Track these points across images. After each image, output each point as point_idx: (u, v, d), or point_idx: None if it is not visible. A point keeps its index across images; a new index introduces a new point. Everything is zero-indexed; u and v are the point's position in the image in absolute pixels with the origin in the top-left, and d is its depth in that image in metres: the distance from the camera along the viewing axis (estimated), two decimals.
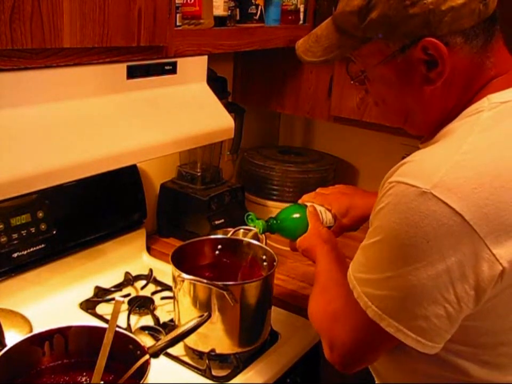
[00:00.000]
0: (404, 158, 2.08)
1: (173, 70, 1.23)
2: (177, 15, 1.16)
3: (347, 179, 2.09)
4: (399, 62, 0.82)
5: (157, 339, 1.19)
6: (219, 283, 1.11)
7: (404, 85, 0.84)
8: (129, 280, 1.47)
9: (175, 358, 1.19)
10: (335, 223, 1.26)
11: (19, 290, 1.30)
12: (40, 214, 1.32)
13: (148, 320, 1.31)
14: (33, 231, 1.30)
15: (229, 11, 1.36)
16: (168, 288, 1.42)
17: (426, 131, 0.91)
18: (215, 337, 1.16)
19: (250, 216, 1.24)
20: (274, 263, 1.22)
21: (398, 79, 0.84)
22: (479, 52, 0.81)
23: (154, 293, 1.43)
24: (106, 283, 1.45)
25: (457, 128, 0.81)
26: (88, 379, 0.96)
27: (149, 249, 1.65)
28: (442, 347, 0.78)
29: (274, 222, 1.24)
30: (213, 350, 1.16)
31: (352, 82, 0.91)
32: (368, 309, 0.79)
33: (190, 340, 1.15)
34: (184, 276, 1.13)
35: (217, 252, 1.33)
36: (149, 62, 1.16)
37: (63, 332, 0.98)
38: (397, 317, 0.77)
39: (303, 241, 1.19)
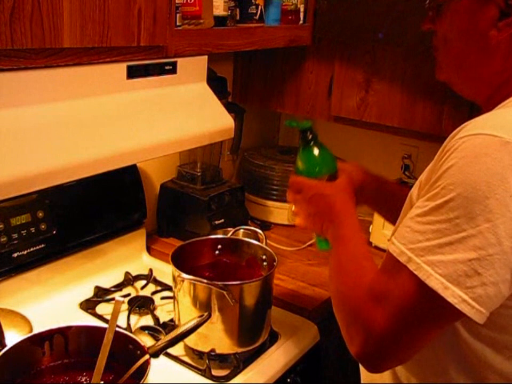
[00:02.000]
0: (404, 158, 2.09)
1: (173, 70, 1.23)
2: (177, 15, 1.16)
3: None
4: (472, 2, 0.83)
5: (157, 339, 1.19)
6: (219, 283, 1.11)
7: (472, 26, 0.84)
8: (129, 280, 1.47)
9: (175, 358, 1.19)
10: None
11: (19, 290, 1.30)
12: (40, 214, 1.32)
13: (147, 320, 1.31)
14: (33, 231, 1.30)
15: (229, 11, 1.36)
16: (168, 288, 1.42)
17: (477, 89, 0.89)
18: (215, 337, 1.16)
19: (289, 121, 1.11)
20: (274, 263, 1.22)
21: (469, 18, 0.84)
22: None
23: (154, 293, 1.43)
24: (106, 283, 1.45)
25: None
26: (88, 379, 0.96)
27: (149, 249, 1.65)
28: (471, 333, 0.76)
29: (314, 135, 1.08)
30: (213, 350, 1.16)
31: (426, 5, 0.90)
32: (429, 278, 0.71)
33: (190, 340, 1.15)
34: (184, 275, 1.13)
35: (217, 252, 1.33)
36: (149, 62, 1.16)
37: (63, 332, 0.98)
38: (464, 284, 0.70)
39: (328, 187, 1.02)
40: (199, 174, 1.71)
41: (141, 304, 1.36)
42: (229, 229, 1.47)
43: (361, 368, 0.92)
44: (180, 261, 1.19)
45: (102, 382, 0.91)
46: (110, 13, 0.99)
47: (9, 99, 0.95)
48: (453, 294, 0.70)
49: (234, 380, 1.14)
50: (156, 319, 1.30)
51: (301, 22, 1.65)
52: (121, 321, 1.25)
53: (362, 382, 0.97)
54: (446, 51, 0.89)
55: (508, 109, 0.80)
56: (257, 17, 1.45)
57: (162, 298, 1.40)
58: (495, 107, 0.83)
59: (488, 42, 0.82)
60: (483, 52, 0.84)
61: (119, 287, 1.45)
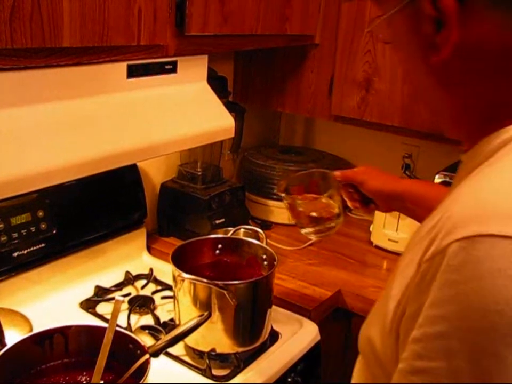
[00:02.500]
0: (404, 157, 2.09)
1: (173, 69, 1.23)
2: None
3: None
4: (410, 14, 0.62)
5: (157, 338, 1.19)
6: (219, 282, 1.11)
7: (412, 48, 0.64)
8: (129, 279, 1.47)
9: (175, 358, 1.19)
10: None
11: (19, 289, 1.30)
12: (41, 213, 1.32)
13: (148, 320, 1.31)
14: (33, 230, 1.30)
15: None
16: (168, 287, 1.42)
17: (449, 125, 0.69)
18: (215, 336, 1.16)
19: None
20: (275, 263, 1.22)
21: (407, 39, 0.64)
22: None
23: (154, 292, 1.43)
24: (107, 282, 1.45)
25: None
26: (88, 378, 0.96)
27: (149, 249, 1.65)
28: None
29: None
30: (213, 350, 1.16)
31: (366, 30, 0.76)
32: None
33: (190, 339, 1.15)
34: (184, 275, 1.13)
35: (217, 251, 1.32)
36: (149, 61, 1.16)
37: (63, 331, 0.98)
38: None
39: None
40: (199, 173, 1.71)
41: (141, 304, 1.35)
42: (229, 228, 1.47)
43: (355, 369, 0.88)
44: (180, 260, 1.19)
45: (102, 382, 0.91)
46: (110, 12, 0.99)
47: (9, 99, 0.94)
48: None
49: (235, 380, 1.14)
50: (156, 319, 1.30)
51: None
52: (122, 320, 1.25)
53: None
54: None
55: (499, 167, 0.55)
56: None
57: (163, 297, 1.40)
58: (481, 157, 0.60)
59: (433, 68, 0.62)
60: (435, 82, 0.64)
61: (119, 286, 1.45)
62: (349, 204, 1.21)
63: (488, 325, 0.46)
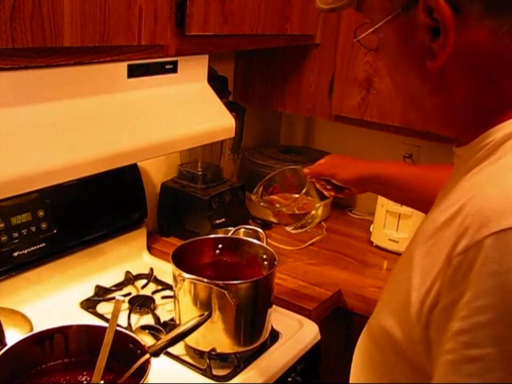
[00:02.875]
0: (405, 157, 2.09)
1: (174, 69, 1.23)
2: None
3: None
4: (402, 24, 0.64)
5: (157, 338, 1.19)
6: (219, 282, 1.11)
7: (405, 57, 0.67)
8: (129, 279, 1.47)
9: (176, 357, 1.19)
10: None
11: (20, 289, 1.30)
12: (41, 213, 1.32)
13: (148, 319, 1.31)
14: (33, 230, 1.30)
15: None
16: (168, 287, 1.42)
17: (442, 124, 0.72)
18: (216, 336, 1.16)
19: None
20: (275, 262, 1.22)
21: (399, 48, 0.67)
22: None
23: (154, 292, 1.43)
24: (107, 282, 1.45)
25: None
26: (88, 378, 0.96)
27: (149, 248, 1.65)
28: None
29: None
30: (213, 349, 1.16)
31: (354, 40, 0.75)
32: None
33: (191, 339, 1.15)
34: (185, 275, 1.13)
35: (217, 251, 1.32)
36: (150, 61, 1.16)
37: (63, 331, 0.98)
38: None
39: None
40: (199, 173, 1.71)
41: (142, 304, 1.36)
42: (230, 228, 1.47)
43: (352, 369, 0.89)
44: (181, 260, 1.19)
45: (102, 382, 0.91)
46: (111, 12, 0.99)
47: (9, 99, 0.94)
48: None
49: (235, 379, 1.14)
50: (157, 318, 1.30)
51: None
52: (122, 320, 1.25)
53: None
54: (392, 85, 0.74)
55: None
56: None
57: (163, 297, 1.40)
58: (481, 151, 0.63)
59: (429, 75, 0.64)
60: (430, 88, 0.66)
61: (119, 286, 1.45)
62: (325, 193, 1.27)
63: None
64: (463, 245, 0.54)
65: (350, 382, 0.81)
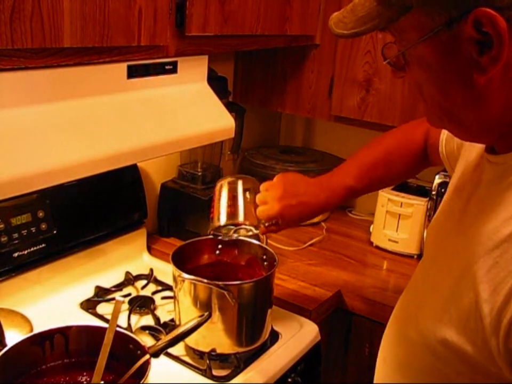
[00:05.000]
0: None
1: (174, 70, 1.23)
2: None
3: None
4: (444, 40, 0.63)
5: (157, 339, 1.19)
6: (219, 283, 1.11)
7: (448, 72, 0.65)
8: (129, 279, 1.47)
9: (176, 358, 1.19)
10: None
11: (20, 290, 1.30)
12: (41, 214, 1.32)
13: (148, 320, 1.31)
14: (33, 230, 1.30)
15: None
16: (168, 288, 1.42)
17: (481, 135, 0.72)
18: (216, 337, 1.16)
19: None
20: (275, 263, 1.22)
21: (441, 64, 0.65)
22: None
23: (154, 292, 1.43)
24: (107, 283, 1.45)
25: None
26: (88, 379, 0.96)
27: (149, 249, 1.65)
28: None
29: None
30: (213, 350, 1.16)
31: (385, 62, 0.73)
32: None
33: (191, 340, 1.15)
34: (185, 275, 1.13)
35: (217, 252, 1.32)
36: (149, 61, 1.16)
37: (63, 332, 0.98)
38: None
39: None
40: (199, 173, 1.71)
41: (142, 304, 1.36)
42: (230, 227, 1.47)
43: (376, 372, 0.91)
44: (181, 260, 1.19)
45: (102, 382, 0.91)
46: (111, 13, 0.99)
47: (9, 99, 0.95)
48: None
49: (235, 380, 1.14)
50: (157, 319, 1.30)
51: None
52: (122, 321, 1.25)
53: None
54: (427, 103, 0.72)
55: None
56: None
57: (163, 298, 1.40)
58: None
59: (475, 87, 0.64)
60: (472, 97, 0.66)
61: (119, 286, 1.45)
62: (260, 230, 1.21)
63: None
64: None
65: None
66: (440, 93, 0.68)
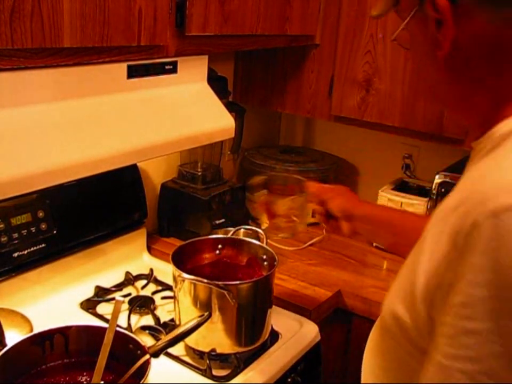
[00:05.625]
0: (405, 157, 2.09)
1: (174, 70, 1.23)
2: None
3: (348, 179, 2.09)
4: (419, 19, 0.70)
5: (157, 339, 1.19)
6: (219, 283, 1.11)
7: (421, 48, 0.74)
8: (129, 279, 1.47)
9: (176, 358, 1.19)
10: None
11: (19, 290, 1.30)
12: (41, 214, 1.32)
13: (148, 320, 1.31)
14: (33, 230, 1.30)
15: None
16: (168, 287, 1.42)
17: (464, 111, 0.75)
18: (216, 337, 1.16)
19: None
20: (275, 263, 1.22)
21: (418, 40, 0.73)
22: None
23: (154, 292, 1.43)
24: (107, 283, 1.45)
25: None
26: (88, 379, 0.96)
27: (149, 249, 1.65)
28: None
29: None
30: (213, 350, 1.16)
31: (392, 39, 0.80)
32: None
33: (191, 340, 1.15)
34: (185, 275, 1.13)
35: (217, 252, 1.32)
36: (149, 61, 1.16)
37: (63, 332, 0.98)
38: None
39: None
40: (199, 173, 1.71)
41: (142, 304, 1.36)
42: (230, 228, 1.47)
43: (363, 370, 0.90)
44: (181, 260, 1.19)
45: (102, 382, 0.91)
46: (110, 13, 0.99)
47: (9, 99, 0.94)
48: None
49: (235, 380, 1.14)
50: (157, 319, 1.30)
51: None
52: (122, 321, 1.25)
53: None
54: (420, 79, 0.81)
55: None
56: None
57: (163, 298, 1.40)
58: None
59: (438, 62, 0.70)
60: (440, 74, 0.71)
61: (119, 286, 1.45)
62: (316, 215, 1.22)
63: None
64: (465, 226, 0.56)
65: (362, 375, 0.81)
66: (421, 68, 0.76)
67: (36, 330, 1.08)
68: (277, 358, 1.22)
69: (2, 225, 1.24)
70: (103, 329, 0.92)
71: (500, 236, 0.53)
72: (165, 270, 1.47)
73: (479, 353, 0.54)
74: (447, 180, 1.57)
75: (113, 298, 1.36)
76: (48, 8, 0.89)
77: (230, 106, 1.51)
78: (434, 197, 1.63)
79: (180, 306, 1.19)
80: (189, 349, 1.20)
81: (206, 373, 1.15)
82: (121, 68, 1.11)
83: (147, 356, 0.93)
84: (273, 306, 1.27)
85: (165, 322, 1.30)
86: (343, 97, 1.67)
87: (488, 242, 0.54)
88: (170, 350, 1.11)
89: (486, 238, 0.54)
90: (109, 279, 1.47)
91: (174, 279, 1.17)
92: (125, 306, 1.33)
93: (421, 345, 0.63)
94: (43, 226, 1.32)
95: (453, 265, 0.57)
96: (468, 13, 0.64)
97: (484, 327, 0.54)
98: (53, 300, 1.35)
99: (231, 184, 1.76)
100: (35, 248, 1.30)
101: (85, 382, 0.96)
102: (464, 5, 0.64)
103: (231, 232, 1.40)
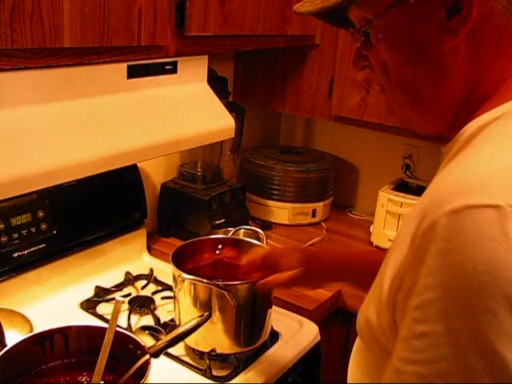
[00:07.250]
0: (405, 157, 2.09)
1: (173, 70, 1.23)
2: None
3: (347, 179, 2.09)
4: (414, 5, 0.62)
5: (157, 339, 1.19)
6: (219, 283, 1.11)
7: (415, 42, 0.65)
8: (129, 280, 1.47)
9: (176, 358, 1.19)
10: None
11: (19, 290, 1.30)
12: (41, 214, 1.32)
13: (148, 320, 1.31)
14: (33, 230, 1.30)
15: None
16: (168, 288, 1.42)
17: (439, 118, 0.72)
18: (216, 337, 1.16)
19: None
20: None
21: (409, 32, 0.65)
22: None
23: (154, 292, 1.43)
24: (107, 283, 1.45)
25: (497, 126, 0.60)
26: (88, 379, 0.96)
27: (149, 249, 1.65)
28: None
29: None
30: (213, 350, 1.16)
31: (357, 44, 0.73)
32: None
33: (191, 340, 1.15)
34: (185, 275, 1.13)
35: (217, 252, 1.32)
36: (149, 61, 1.16)
37: (63, 332, 0.98)
38: None
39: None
40: (199, 173, 1.71)
41: (142, 304, 1.35)
42: (230, 228, 1.47)
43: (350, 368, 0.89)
44: (181, 260, 1.19)
45: (102, 382, 0.91)
46: (111, 13, 0.99)
47: (9, 99, 0.95)
48: None
49: (235, 380, 1.14)
50: (157, 319, 1.30)
51: None
52: (122, 321, 1.25)
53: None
54: (392, 86, 0.71)
55: (476, 149, 0.59)
56: None
57: (163, 298, 1.40)
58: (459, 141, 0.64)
59: (442, 53, 0.64)
60: (438, 69, 0.65)
61: (119, 287, 1.45)
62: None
63: (478, 285, 0.50)
64: (422, 227, 0.55)
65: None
66: (406, 67, 0.67)
67: (36, 330, 1.07)
68: (277, 358, 1.22)
69: (2, 225, 1.24)
70: (103, 329, 0.92)
71: (451, 237, 0.52)
72: (165, 270, 1.47)
73: (430, 355, 0.53)
74: None
75: (113, 299, 1.36)
76: (48, 8, 0.89)
77: (230, 107, 1.51)
78: None
79: (179, 307, 1.19)
80: (189, 349, 1.20)
81: (206, 373, 1.15)
82: (121, 68, 1.11)
83: (147, 356, 0.93)
84: (273, 306, 1.27)
85: (165, 323, 1.30)
86: (343, 97, 1.67)
87: (441, 244, 0.53)
88: (170, 350, 1.11)
89: (439, 240, 0.53)
90: (109, 279, 1.47)
91: (174, 279, 1.17)
92: (125, 306, 1.33)
93: (389, 351, 0.61)
94: (43, 226, 1.32)
95: (412, 268, 0.56)
96: (488, 2, 0.61)
97: (434, 329, 0.52)
98: (53, 300, 1.35)
99: (231, 184, 1.76)
100: (35, 248, 1.30)
101: (85, 382, 0.96)
102: None
103: (231, 232, 1.40)
